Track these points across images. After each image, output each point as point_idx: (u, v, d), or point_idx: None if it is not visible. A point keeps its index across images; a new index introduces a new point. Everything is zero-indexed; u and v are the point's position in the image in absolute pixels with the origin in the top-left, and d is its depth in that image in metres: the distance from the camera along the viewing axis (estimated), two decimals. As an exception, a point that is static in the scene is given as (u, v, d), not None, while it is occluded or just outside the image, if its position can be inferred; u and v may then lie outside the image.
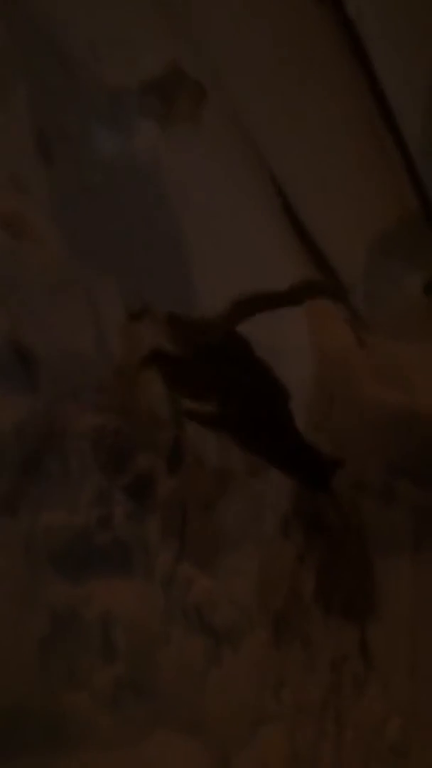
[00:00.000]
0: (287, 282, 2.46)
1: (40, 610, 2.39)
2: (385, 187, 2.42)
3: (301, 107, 2.09)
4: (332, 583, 2.52)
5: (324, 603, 2.46)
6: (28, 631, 2.20)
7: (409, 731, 2.73)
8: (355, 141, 2.15)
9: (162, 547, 2.47)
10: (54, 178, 2.16)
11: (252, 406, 2.60)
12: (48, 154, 2.13)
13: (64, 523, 2.25)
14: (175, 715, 2.14)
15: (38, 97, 2.09)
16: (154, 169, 2.09)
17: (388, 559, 2.69)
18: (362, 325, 2.56)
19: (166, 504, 2.56)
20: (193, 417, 2.35)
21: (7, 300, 2.21)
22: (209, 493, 2.48)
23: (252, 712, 2.06)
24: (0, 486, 2.51)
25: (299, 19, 1.95)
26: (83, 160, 2.12)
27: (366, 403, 2.72)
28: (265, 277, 2.44)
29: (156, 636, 2.32)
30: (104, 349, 2.29)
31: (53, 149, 2.13)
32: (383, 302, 2.48)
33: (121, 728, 2.24)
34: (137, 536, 2.52)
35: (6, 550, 2.45)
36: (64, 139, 2.12)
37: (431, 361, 2.69)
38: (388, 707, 2.67)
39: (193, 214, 2.15)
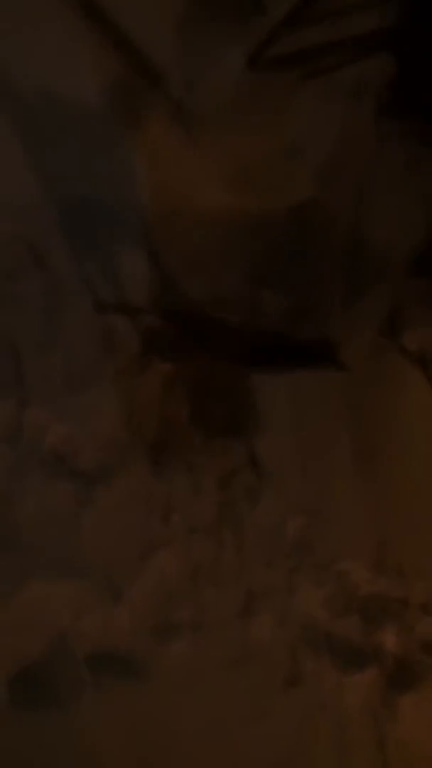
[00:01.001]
0: (95, 84, 2.14)
1: None
2: None
3: None
4: (209, 406, 2.47)
5: (203, 426, 2.41)
6: None
7: (310, 527, 2.84)
8: None
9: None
10: None
11: None
12: None
13: None
14: (47, 564, 2.08)
15: None
16: None
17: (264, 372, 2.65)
18: (189, 120, 2.31)
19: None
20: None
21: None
22: (46, 331, 2.29)
23: (139, 543, 2.04)
24: None
25: None
26: None
27: (211, 213, 2.53)
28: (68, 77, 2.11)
29: (7, 493, 2.20)
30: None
31: None
32: (204, 86, 2.21)
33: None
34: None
35: None
36: None
37: (272, 155, 2.51)
38: (286, 509, 2.75)
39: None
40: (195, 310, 2.53)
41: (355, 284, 3.38)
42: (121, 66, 2.18)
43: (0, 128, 2.38)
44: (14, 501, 2.08)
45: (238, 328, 2.53)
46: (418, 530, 3.71)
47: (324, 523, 2.91)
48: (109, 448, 2.06)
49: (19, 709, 1.92)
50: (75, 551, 1.98)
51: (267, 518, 2.60)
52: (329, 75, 2.68)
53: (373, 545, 3.31)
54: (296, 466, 2.80)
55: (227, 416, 2.48)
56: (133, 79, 2.22)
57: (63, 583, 1.94)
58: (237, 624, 2.29)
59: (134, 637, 1.89)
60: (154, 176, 2.54)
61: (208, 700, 2.09)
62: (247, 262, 2.65)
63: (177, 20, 2.11)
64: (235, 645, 2.26)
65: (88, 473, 2.10)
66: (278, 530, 2.65)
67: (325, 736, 2.60)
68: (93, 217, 2.46)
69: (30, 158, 2.45)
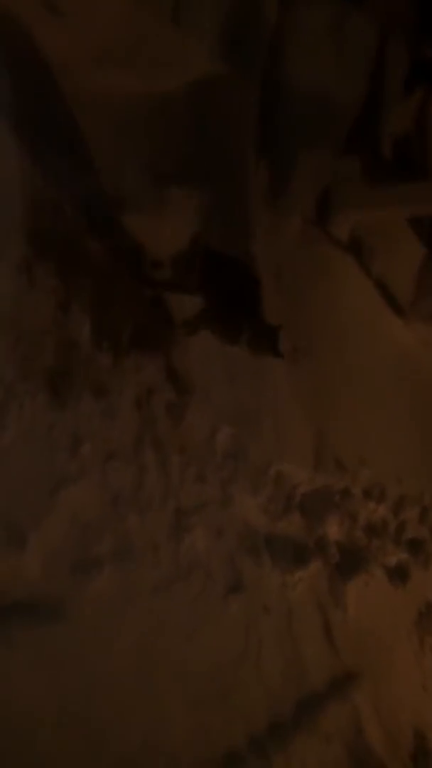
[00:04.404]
0: None
1: None
2: None
3: None
4: (114, 321, 2.24)
5: (110, 344, 2.20)
6: None
7: (241, 435, 2.73)
8: None
9: None
10: None
11: None
12: None
13: None
14: None
15: None
16: None
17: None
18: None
19: None
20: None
21: None
22: None
23: (46, 481, 1.90)
24: None
25: None
26: None
27: (92, 96, 2.19)
28: None
29: None
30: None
31: None
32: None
33: None
34: None
35: None
36: None
37: (152, 25, 2.14)
38: (214, 421, 2.62)
39: None
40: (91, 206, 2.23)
41: (278, 168, 3.09)
42: None
43: None
44: None
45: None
46: (355, 419, 3.67)
47: (257, 428, 2.81)
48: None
49: None
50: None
51: (193, 434, 2.47)
52: None
53: (311, 441, 3.25)
54: (222, 375, 2.65)
55: (137, 330, 2.27)
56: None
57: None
58: (167, 545, 2.21)
59: (47, 582, 1.77)
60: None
61: (139, 625, 2.03)
62: (147, 152, 2.34)
63: None
64: (167, 566, 2.19)
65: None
66: (207, 444, 2.53)
67: (271, 637, 2.63)
68: None
69: None
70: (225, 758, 2.04)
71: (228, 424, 2.58)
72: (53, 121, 2.11)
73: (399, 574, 3.85)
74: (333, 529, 3.31)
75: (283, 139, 3.11)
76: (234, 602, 2.47)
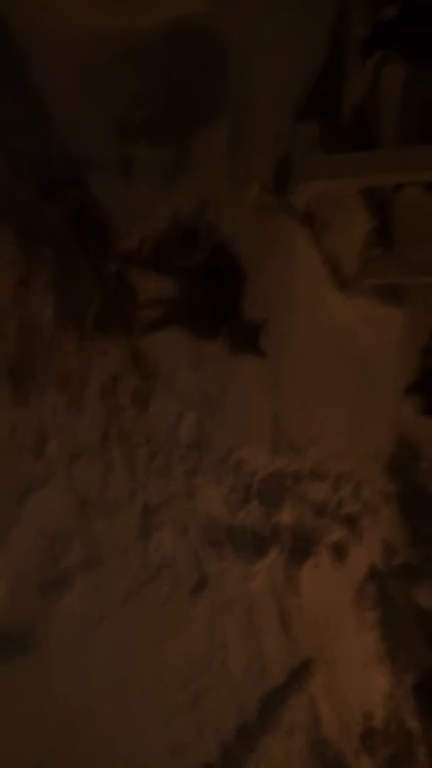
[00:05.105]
0: None
1: None
2: None
3: None
4: (78, 299, 1.96)
5: (74, 326, 1.92)
6: None
7: (205, 422, 2.55)
8: None
9: None
10: None
11: None
12: None
13: None
14: None
15: None
16: None
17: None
18: None
19: None
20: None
21: None
22: None
23: (11, 490, 1.63)
24: None
25: None
26: None
27: (69, 33, 1.86)
28: None
29: None
30: None
31: None
32: None
33: None
34: None
35: None
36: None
37: None
38: (178, 408, 2.42)
39: None
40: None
41: (239, 131, 2.84)
42: None
43: None
44: None
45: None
46: (303, 399, 3.58)
47: (220, 413, 2.63)
48: None
49: None
50: None
51: (158, 422, 2.26)
52: None
53: (268, 425, 3.12)
54: (186, 358, 2.43)
55: (101, 309, 2.00)
56: None
57: None
58: (135, 547, 2.01)
59: (14, 609, 1.53)
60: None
61: (111, 641, 1.84)
62: (112, 105, 2.03)
63: None
64: (136, 570, 2.00)
65: None
66: (172, 433, 2.33)
67: (235, 630, 2.52)
68: None
69: None
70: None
71: (192, 410, 2.39)
72: (4, 66, 1.77)
73: (339, 553, 3.85)
74: (286, 515, 3.22)
75: (241, 99, 2.86)
76: (199, 601, 2.33)
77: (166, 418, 2.28)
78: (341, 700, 3.09)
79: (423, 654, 4.51)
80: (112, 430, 2.00)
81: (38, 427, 1.72)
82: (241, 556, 2.69)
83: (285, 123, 3.08)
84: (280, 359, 3.14)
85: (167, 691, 1.98)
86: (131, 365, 2.12)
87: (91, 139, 1.98)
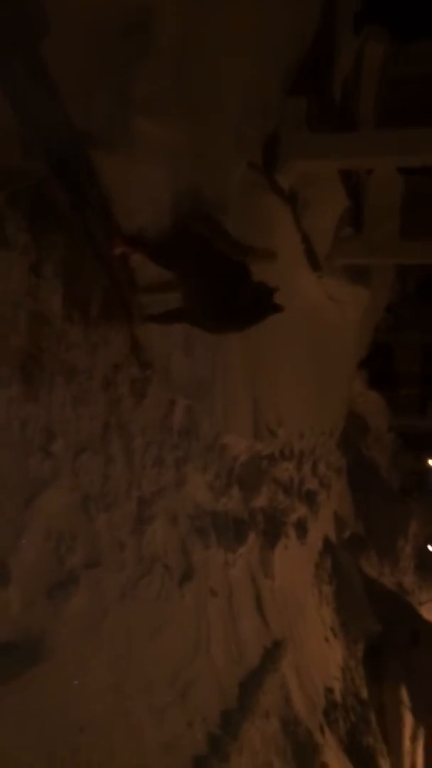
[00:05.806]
0: None
1: None
2: None
3: None
4: (85, 288, 1.82)
5: (80, 314, 1.79)
6: None
7: (193, 410, 2.48)
8: None
9: None
10: None
11: None
12: None
13: None
14: None
15: None
16: None
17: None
18: None
19: None
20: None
21: None
22: None
23: (21, 490, 1.52)
24: None
25: None
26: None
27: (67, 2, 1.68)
28: None
29: None
30: None
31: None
32: None
33: None
34: None
35: None
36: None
37: None
38: (172, 395, 2.34)
39: None
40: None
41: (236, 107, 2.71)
42: None
43: None
44: None
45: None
46: (276, 380, 3.56)
47: (209, 400, 2.57)
48: None
49: None
50: None
51: (153, 411, 2.18)
52: None
53: (250, 409, 3.09)
54: (180, 346, 2.35)
55: (105, 297, 1.89)
56: None
57: None
58: (131, 542, 1.96)
59: (26, 613, 1.45)
60: None
61: (112, 639, 1.80)
62: (119, 77, 1.87)
63: None
64: (132, 565, 1.95)
65: None
66: (165, 421, 2.27)
67: (217, 618, 2.52)
68: None
69: None
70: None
71: (184, 397, 2.33)
72: (14, 36, 1.60)
73: (301, 530, 3.92)
74: (262, 497, 3.23)
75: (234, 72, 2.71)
76: (187, 591, 2.31)
77: (161, 405, 2.21)
78: (307, 677, 3.18)
79: (370, 623, 4.71)
80: (112, 421, 1.92)
81: (46, 423, 1.62)
82: (223, 543, 2.68)
83: (274, 97, 2.94)
84: (260, 341, 3.08)
85: (159, 687, 1.97)
86: (130, 353, 2.03)
87: (98, 115, 1.84)
